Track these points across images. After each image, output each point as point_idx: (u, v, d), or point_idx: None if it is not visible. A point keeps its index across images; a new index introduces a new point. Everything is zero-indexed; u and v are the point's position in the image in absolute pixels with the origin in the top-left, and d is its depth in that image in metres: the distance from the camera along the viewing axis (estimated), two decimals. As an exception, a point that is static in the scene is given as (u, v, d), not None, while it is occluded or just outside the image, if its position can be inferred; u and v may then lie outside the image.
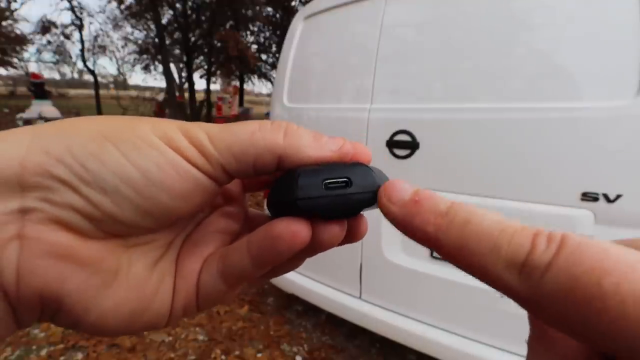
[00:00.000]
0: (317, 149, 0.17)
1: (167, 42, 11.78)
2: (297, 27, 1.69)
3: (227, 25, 11.92)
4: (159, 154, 0.16)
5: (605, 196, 0.92)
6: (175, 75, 13.17)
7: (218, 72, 14.72)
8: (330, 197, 0.16)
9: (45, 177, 0.14)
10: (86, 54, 13.27)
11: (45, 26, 13.49)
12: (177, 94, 11.80)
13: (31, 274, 0.14)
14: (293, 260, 0.19)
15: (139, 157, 0.15)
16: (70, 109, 13.98)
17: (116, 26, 14.10)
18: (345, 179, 0.16)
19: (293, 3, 11.64)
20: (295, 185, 0.16)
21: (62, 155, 0.15)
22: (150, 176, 0.15)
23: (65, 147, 0.15)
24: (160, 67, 13.14)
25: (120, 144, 0.15)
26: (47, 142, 0.15)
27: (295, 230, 0.16)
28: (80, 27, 12.94)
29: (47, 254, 0.15)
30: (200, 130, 0.17)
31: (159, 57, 12.34)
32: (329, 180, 0.16)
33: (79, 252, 0.15)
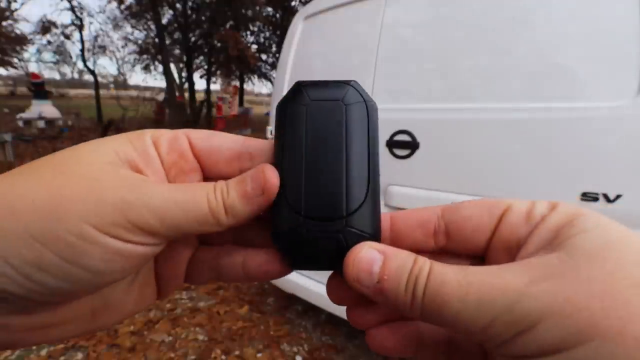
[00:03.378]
0: (249, 210, 0.18)
1: (167, 42, 11.77)
2: (297, 27, 1.69)
3: (227, 25, 11.92)
4: (101, 250, 0.15)
5: (605, 196, 0.92)
6: (175, 75, 13.18)
7: (218, 72, 14.73)
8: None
9: None
10: (86, 54, 13.27)
11: (45, 26, 13.48)
12: (177, 94, 11.79)
13: (19, 340, 0.17)
14: None
15: (82, 258, 0.15)
16: (70, 109, 13.97)
17: (116, 26, 14.12)
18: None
19: (293, 3, 11.65)
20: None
21: (2, 268, 0.14)
22: (98, 269, 0.16)
23: (0, 258, 0.14)
24: (160, 67, 13.16)
25: (54, 246, 0.15)
26: None
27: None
28: (80, 27, 12.93)
29: (24, 329, 0.16)
30: (147, 209, 0.16)
31: (159, 57, 12.34)
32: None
33: (52, 320, 0.17)
